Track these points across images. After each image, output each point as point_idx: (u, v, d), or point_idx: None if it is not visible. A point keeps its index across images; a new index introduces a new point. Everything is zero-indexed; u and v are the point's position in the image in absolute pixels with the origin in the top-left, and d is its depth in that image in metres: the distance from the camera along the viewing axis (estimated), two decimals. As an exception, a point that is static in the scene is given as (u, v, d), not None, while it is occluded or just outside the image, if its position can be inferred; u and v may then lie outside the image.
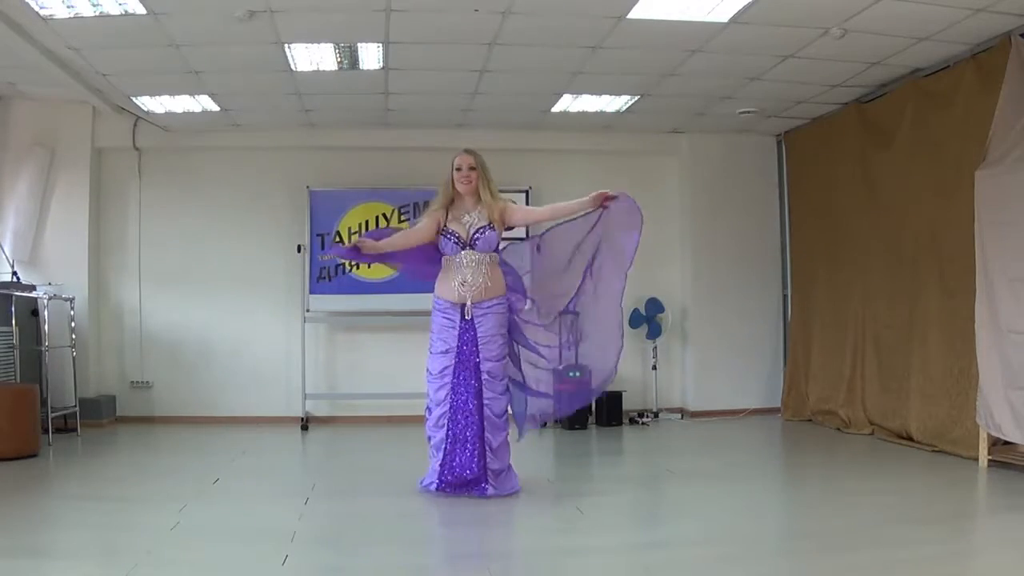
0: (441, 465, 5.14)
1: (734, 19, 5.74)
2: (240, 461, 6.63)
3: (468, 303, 5.12)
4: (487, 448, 5.10)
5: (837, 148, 7.98)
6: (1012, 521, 4.58)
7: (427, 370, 5.25)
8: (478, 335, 5.13)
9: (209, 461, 6.57)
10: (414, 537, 4.52)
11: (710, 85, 7.32)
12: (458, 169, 5.22)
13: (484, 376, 5.12)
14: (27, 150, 8.01)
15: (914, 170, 6.83)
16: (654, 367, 8.86)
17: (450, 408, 5.12)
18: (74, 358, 7.76)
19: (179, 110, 7.84)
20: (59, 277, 7.97)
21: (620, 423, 8.35)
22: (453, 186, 5.25)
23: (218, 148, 8.68)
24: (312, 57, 6.48)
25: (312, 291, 8.44)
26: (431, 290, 5.23)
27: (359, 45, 6.28)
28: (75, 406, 7.68)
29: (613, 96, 7.70)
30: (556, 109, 8.03)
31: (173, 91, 7.32)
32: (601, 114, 8.24)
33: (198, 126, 8.36)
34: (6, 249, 7.70)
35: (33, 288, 7.52)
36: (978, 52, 6.11)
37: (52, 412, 7.18)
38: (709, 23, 5.84)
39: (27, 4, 5.35)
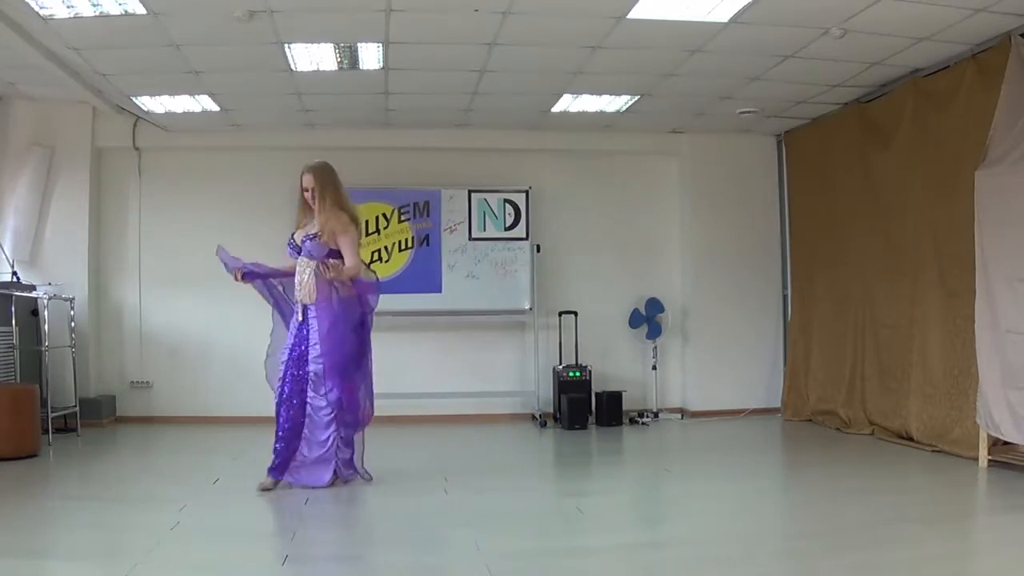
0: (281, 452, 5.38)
1: (734, 19, 5.74)
2: (240, 461, 6.62)
3: (300, 305, 5.39)
4: (303, 440, 5.35)
5: (837, 148, 7.98)
6: (1012, 521, 4.58)
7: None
8: (309, 335, 5.34)
9: (209, 461, 6.58)
10: (414, 536, 4.52)
11: (710, 85, 7.31)
12: (303, 189, 5.47)
13: (310, 376, 5.32)
14: (27, 150, 8.01)
15: (914, 170, 6.83)
16: (654, 367, 8.86)
17: (277, 401, 5.37)
18: (74, 358, 7.76)
19: (179, 110, 7.84)
20: (59, 277, 7.97)
21: (620, 423, 8.35)
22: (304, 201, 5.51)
23: (218, 148, 8.68)
24: (312, 57, 6.48)
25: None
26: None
27: (359, 45, 6.28)
28: (75, 406, 7.68)
29: (613, 96, 7.70)
30: (556, 109, 8.03)
31: (173, 91, 7.32)
32: (601, 114, 8.24)
33: (198, 126, 8.36)
34: (6, 249, 7.70)
35: (33, 288, 7.52)
36: (978, 52, 6.11)
37: (52, 412, 7.18)
38: (709, 23, 5.84)
39: (27, 4, 5.35)
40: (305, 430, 5.34)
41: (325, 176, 5.44)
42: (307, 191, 5.43)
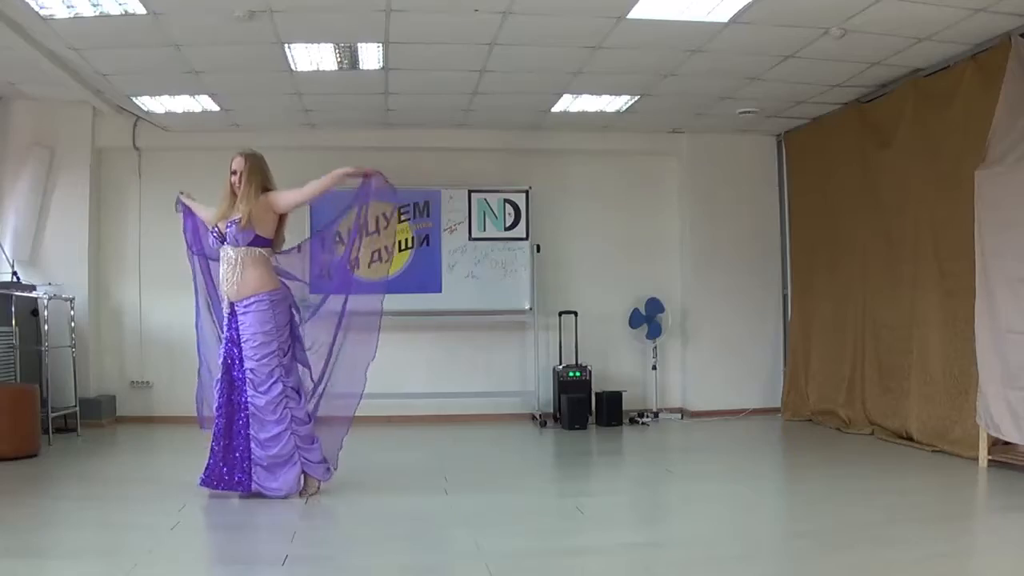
0: (210, 460, 5.14)
1: (734, 19, 5.74)
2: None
3: (226, 300, 5.17)
4: (252, 444, 5.07)
5: (837, 148, 7.98)
6: (1012, 521, 4.58)
7: None
8: (240, 332, 5.12)
9: (209, 461, 6.57)
10: (413, 536, 4.52)
11: (710, 85, 7.31)
12: (231, 172, 5.27)
13: (248, 374, 5.09)
14: (27, 150, 8.01)
15: (914, 170, 6.83)
16: (654, 367, 8.86)
17: (219, 404, 5.13)
18: (74, 358, 7.76)
19: (179, 110, 7.84)
20: (59, 277, 7.97)
21: (620, 423, 8.35)
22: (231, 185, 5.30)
23: (218, 148, 8.59)
24: (312, 57, 6.48)
25: (312, 291, 8.40)
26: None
27: (359, 45, 6.28)
28: (75, 406, 7.68)
29: (613, 96, 7.70)
30: (556, 109, 8.03)
31: (173, 91, 7.32)
32: (601, 114, 8.24)
33: (198, 126, 8.36)
34: (6, 249, 7.70)
35: (33, 288, 7.53)
36: (978, 52, 6.11)
37: (52, 412, 7.18)
38: (709, 23, 5.84)
39: (27, 4, 5.35)
40: (251, 430, 5.06)
41: (255, 164, 5.26)
42: (235, 174, 5.20)
